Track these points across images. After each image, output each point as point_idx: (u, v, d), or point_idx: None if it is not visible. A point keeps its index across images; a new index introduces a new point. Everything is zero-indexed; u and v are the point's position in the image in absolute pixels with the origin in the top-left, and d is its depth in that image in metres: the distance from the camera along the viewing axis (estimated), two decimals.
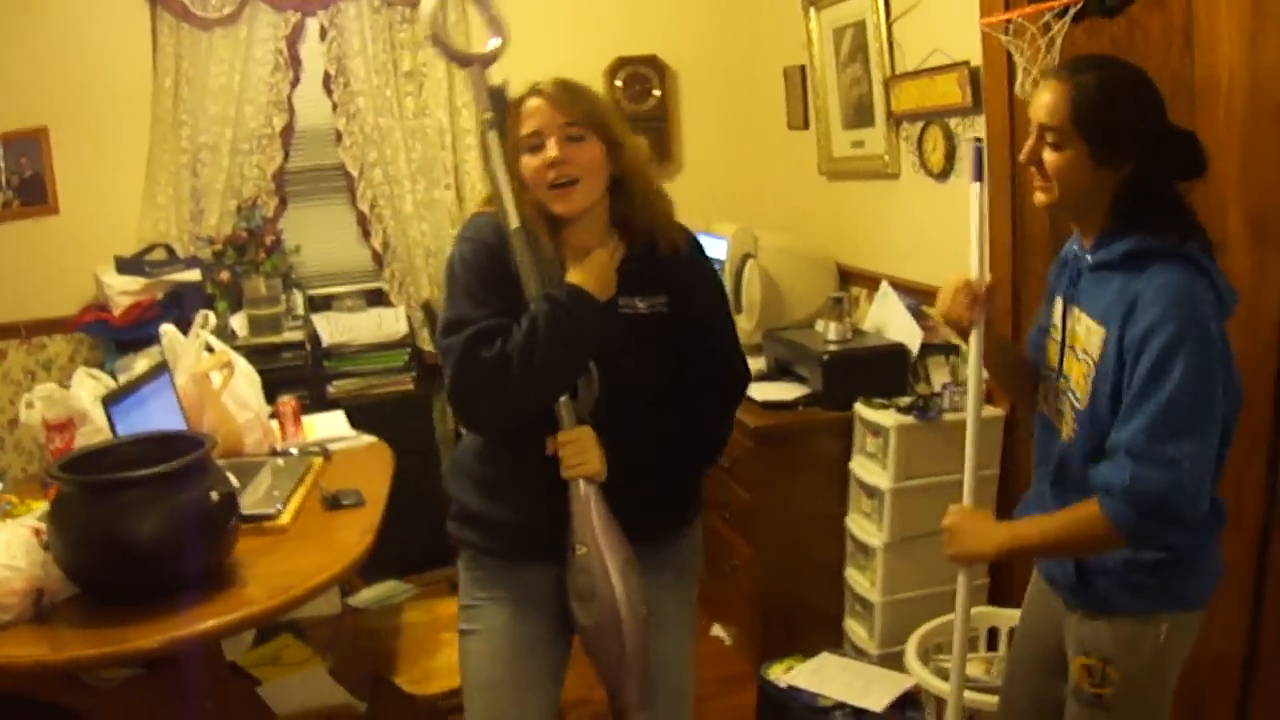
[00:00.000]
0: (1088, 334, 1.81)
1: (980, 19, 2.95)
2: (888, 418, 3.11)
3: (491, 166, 1.92)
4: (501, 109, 1.94)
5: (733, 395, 2.13)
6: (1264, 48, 2.14)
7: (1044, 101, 1.77)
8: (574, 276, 1.89)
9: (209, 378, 2.88)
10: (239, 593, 2.08)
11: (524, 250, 1.89)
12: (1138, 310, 1.68)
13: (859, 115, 3.94)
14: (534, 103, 1.91)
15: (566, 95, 1.91)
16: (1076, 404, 1.82)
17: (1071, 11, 2.51)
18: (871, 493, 3.19)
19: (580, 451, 1.90)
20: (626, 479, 1.93)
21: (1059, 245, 2.79)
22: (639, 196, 1.98)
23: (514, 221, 1.89)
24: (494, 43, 2.02)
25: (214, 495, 2.05)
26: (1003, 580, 3.20)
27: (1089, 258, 1.83)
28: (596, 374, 1.92)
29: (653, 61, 4.80)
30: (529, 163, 1.90)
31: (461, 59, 2.00)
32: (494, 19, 2.03)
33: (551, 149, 1.88)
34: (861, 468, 3.26)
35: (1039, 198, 1.83)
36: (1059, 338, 1.91)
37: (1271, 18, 2.11)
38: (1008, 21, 2.72)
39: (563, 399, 1.90)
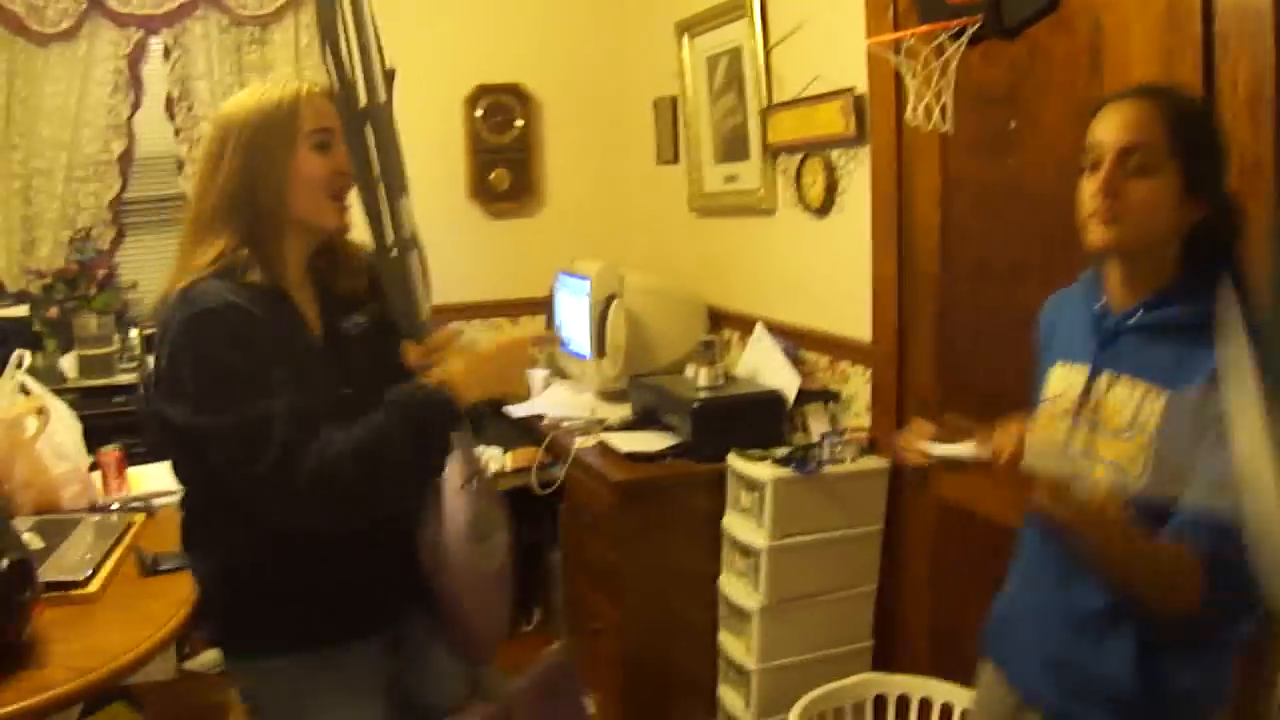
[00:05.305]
0: (1140, 399, 1.51)
1: (867, 39, 2.77)
2: (763, 471, 2.90)
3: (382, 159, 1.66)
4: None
5: None
6: (1180, 65, 1.97)
7: (1126, 120, 1.49)
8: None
9: (22, 424, 2.63)
10: (34, 675, 1.80)
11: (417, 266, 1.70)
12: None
13: (732, 148, 3.76)
14: (324, 101, 1.71)
15: None
16: (1127, 482, 1.49)
17: (969, 33, 2.34)
18: (747, 552, 2.98)
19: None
20: None
21: (954, 287, 2.63)
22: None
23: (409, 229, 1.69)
24: None
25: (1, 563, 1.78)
26: (888, 643, 3.00)
27: (1141, 316, 1.55)
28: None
29: (515, 90, 4.57)
30: (316, 161, 1.68)
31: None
32: None
33: (341, 157, 1.68)
34: (735, 525, 3.04)
35: (1099, 234, 1.51)
36: (1074, 410, 1.60)
37: (1187, 33, 1.95)
38: (897, 42, 2.53)
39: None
